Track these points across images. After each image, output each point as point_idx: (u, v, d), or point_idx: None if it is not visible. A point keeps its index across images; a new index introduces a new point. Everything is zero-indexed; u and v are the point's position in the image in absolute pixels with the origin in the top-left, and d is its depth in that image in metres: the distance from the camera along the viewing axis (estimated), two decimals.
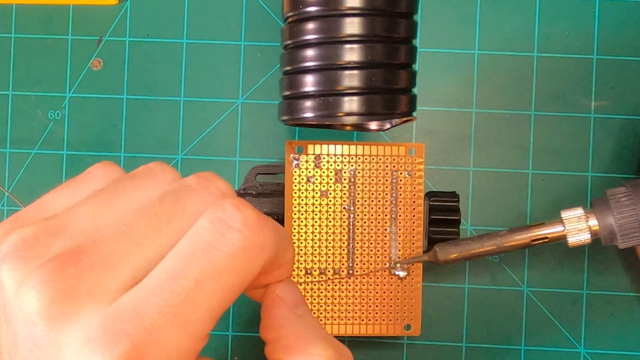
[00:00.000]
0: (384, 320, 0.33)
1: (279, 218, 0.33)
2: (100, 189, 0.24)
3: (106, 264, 0.21)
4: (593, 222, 0.32)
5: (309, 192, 0.33)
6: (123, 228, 0.22)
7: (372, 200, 0.33)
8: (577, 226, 0.32)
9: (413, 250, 0.33)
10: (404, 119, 0.31)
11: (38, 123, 0.38)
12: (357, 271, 0.33)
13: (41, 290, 0.20)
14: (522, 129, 0.37)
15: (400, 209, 0.33)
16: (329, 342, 0.24)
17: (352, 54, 0.29)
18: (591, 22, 0.37)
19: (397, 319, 0.33)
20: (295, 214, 0.33)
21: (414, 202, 0.33)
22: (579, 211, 0.32)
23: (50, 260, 0.21)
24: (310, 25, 0.29)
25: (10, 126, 0.38)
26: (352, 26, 0.29)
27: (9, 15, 0.38)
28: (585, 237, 0.32)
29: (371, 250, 0.33)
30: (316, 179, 0.33)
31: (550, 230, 0.32)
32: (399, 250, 0.33)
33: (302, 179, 0.33)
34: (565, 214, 0.32)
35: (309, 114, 0.30)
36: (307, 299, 0.33)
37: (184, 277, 0.21)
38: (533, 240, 0.32)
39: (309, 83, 0.29)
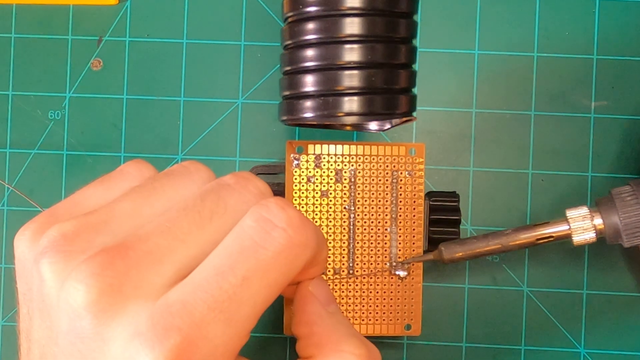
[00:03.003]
0: (384, 320, 0.33)
1: None
2: (137, 185, 0.24)
3: (152, 259, 0.21)
4: (598, 221, 0.32)
5: (309, 192, 0.33)
6: (167, 224, 0.22)
7: (373, 200, 0.33)
8: (582, 225, 0.32)
9: (413, 250, 0.33)
10: (404, 119, 0.31)
11: (38, 123, 0.38)
12: (357, 271, 0.33)
13: (90, 284, 0.20)
14: (522, 129, 0.37)
15: (400, 209, 0.33)
16: (361, 340, 0.25)
17: (352, 54, 0.29)
18: (591, 22, 0.37)
19: (398, 319, 0.33)
20: None
21: (414, 202, 0.33)
22: (583, 210, 0.32)
23: (98, 254, 0.21)
24: (310, 25, 0.29)
25: (10, 126, 0.38)
26: (352, 26, 0.29)
27: (9, 15, 0.38)
28: (590, 236, 0.32)
29: (371, 250, 0.33)
30: (316, 179, 0.33)
31: (556, 229, 0.32)
32: (399, 250, 0.33)
33: (303, 179, 0.33)
34: (570, 213, 0.32)
35: (309, 114, 0.30)
36: None
37: (232, 274, 0.21)
38: (538, 239, 0.32)
39: (309, 83, 0.29)
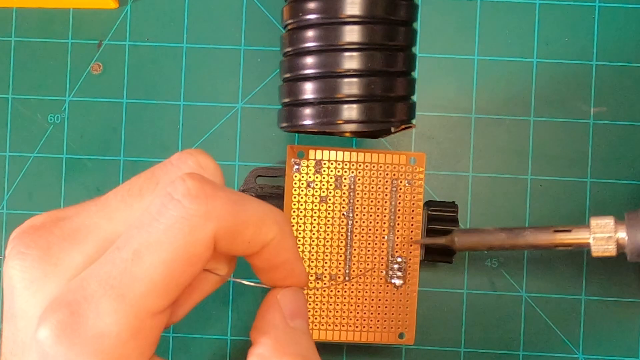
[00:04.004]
0: (378, 328, 0.33)
1: None
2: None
3: (75, 237, 0.22)
4: (622, 235, 0.30)
5: (308, 197, 0.33)
6: (97, 204, 0.23)
7: (371, 208, 0.33)
8: (604, 236, 0.30)
9: (410, 259, 0.33)
10: (403, 126, 0.31)
11: (38, 127, 0.38)
12: (353, 278, 0.33)
13: (17, 262, 0.22)
14: (521, 134, 0.37)
15: (398, 217, 0.33)
16: None
17: (351, 61, 0.29)
18: (591, 28, 0.37)
19: (392, 327, 0.33)
20: (294, 218, 0.33)
21: (413, 211, 0.33)
22: (609, 221, 0.30)
23: (25, 234, 0.22)
24: (310, 33, 0.29)
25: (9, 129, 0.38)
26: (352, 34, 0.29)
27: (9, 18, 0.38)
28: (610, 249, 0.30)
29: (368, 258, 0.33)
30: (316, 184, 0.33)
31: (576, 237, 0.31)
32: (397, 257, 0.33)
33: (302, 184, 0.33)
34: (595, 222, 0.31)
35: (308, 122, 0.30)
36: None
37: (124, 248, 0.21)
38: (557, 246, 0.31)
39: (309, 90, 0.29)
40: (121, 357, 0.20)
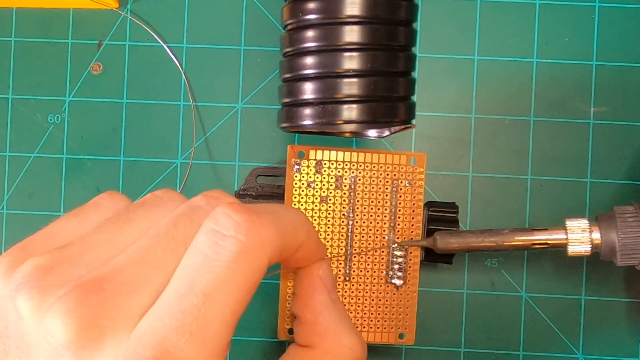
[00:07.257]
0: (378, 328, 0.33)
1: None
2: (111, 217, 0.24)
3: (128, 290, 0.21)
4: (596, 236, 0.32)
5: (308, 197, 0.33)
6: (140, 253, 0.22)
7: (372, 208, 0.33)
8: (579, 237, 0.32)
9: (410, 259, 0.33)
10: (403, 126, 0.31)
11: (38, 127, 0.38)
12: (354, 277, 0.33)
13: (67, 321, 0.20)
14: (521, 134, 0.37)
15: (399, 217, 0.33)
16: (359, 336, 0.27)
17: (351, 61, 0.29)
18: (591, 28, 0.38)
19: (392, 327, 0.33)
20: None
21: (413, 211, 0.33)
22: (583, 222, 0.32)
23: (73, 290, 0.20)
24: (310, 33, 0.29)
25: (10, 130, 0.38)
26: (352, 34, 0.29)
27: (9, 19, 0.38)
28: (585, 249, 0.32)
29: (368, 258, 0.33)
30: (316, 185, 0.33)
31: (552, 237, 0.32)
32: (397, 258, 0.33)
33: (303, 184, 0.33)
34: (570, 223, 0.32)
35: (308, 122, 0.30)
36: None
37: (192, 293, 0.21)
38: (534, 244, 0.32)
39: (308, 90, 0.29)
40: None
